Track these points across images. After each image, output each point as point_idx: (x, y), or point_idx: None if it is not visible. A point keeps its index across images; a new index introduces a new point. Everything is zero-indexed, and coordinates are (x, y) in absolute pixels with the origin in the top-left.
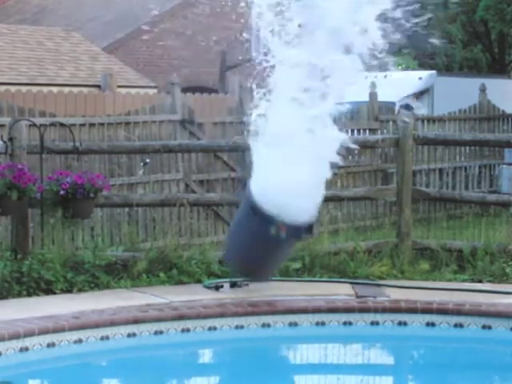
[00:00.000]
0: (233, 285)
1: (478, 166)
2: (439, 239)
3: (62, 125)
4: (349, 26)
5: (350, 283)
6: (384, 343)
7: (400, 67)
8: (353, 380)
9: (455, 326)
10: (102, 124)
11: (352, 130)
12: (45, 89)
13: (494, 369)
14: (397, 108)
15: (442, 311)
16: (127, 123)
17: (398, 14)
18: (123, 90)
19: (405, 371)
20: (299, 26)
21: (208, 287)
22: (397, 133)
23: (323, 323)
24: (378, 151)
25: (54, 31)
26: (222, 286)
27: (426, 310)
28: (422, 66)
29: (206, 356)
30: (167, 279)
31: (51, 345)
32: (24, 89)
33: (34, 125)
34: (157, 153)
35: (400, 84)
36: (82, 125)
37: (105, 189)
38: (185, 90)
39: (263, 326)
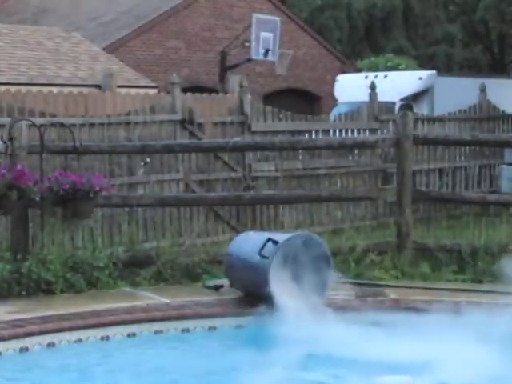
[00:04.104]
0: (232, 284)
1: (478, 165)
2: (439, 239)
3: (62, 125)
4: None
5: (350, 283)
6: None
7: (400, 67)
8: None
9: None
10: (102, 124)
11: (352, 130)
12: (45, 89)
13: None
14: (397, 108)
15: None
16: (127, 123)
17: None
18: (123, 90)
19: None
20: None
21: (208, 287)
22: (397, 133)
23: None
24: (378, 151)
25: (54, 31)
26: (222, 286)
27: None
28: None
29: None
30: (167, 279)
31: (51, 345)
32: (24, 89)
33: (34, 125)
34: (157, 153)
35: (400, 84)
36: (82, 125)
37: (106, 190)
38: (185, 90)
39: None
